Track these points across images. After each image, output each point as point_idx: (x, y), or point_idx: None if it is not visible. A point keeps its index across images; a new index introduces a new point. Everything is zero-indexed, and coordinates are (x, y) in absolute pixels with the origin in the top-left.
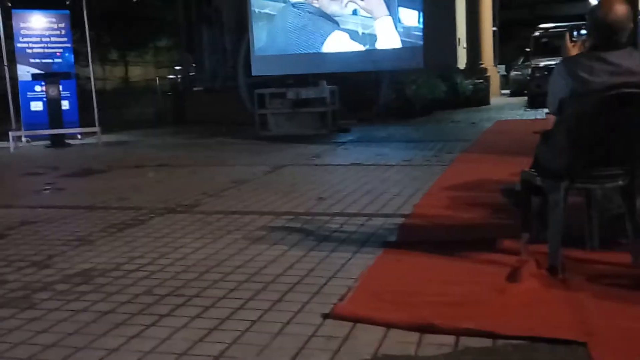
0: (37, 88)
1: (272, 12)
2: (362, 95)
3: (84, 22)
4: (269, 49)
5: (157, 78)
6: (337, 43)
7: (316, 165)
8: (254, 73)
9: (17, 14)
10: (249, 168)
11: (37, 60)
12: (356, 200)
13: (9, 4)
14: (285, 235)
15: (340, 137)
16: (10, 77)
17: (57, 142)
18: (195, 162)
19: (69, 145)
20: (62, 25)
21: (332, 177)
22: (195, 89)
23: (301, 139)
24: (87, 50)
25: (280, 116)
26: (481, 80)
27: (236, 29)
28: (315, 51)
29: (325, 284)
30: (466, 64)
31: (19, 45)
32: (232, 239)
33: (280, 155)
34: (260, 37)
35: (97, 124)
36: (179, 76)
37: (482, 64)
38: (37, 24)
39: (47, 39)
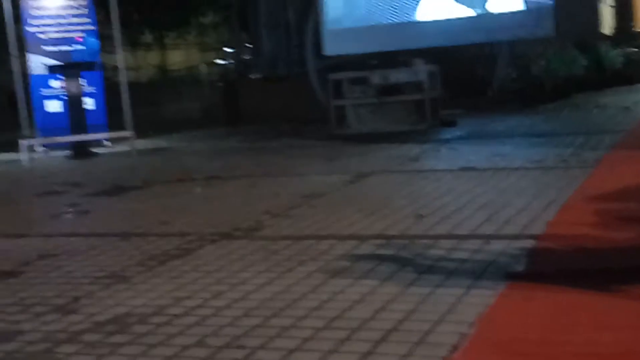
0: (54, 83)
1: None
2: (472, 77)
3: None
4: (345, 21)
5: (202, 65)
6: (436, 8)
7: (413, 171)
8: (326, 53)
9: None
10: (324, 178)
11: (53, 48)
12: (468, 217)
13: None
14: (375, 265)
15: (444, 132)
16: (19, 71)
17: (80, 151)
18: (254, 172)
19: (95, 155)
20: (83, 2)
21: (434, 188)
22: (251, 77)
23: (391, 137)
24: (114, 33)
25: (362, 108)
26: (636, 49)
27: None
28: (406, 20)
29: (429, 331)
30: (614, 28)
31: (29, 29)
32: (305, 272)
33: (365, 160)
34: (335, 5)
35: (129, 126)
36: (230, 61)
37: (634, 27)
38: (51, 3)
39: (65, 21)
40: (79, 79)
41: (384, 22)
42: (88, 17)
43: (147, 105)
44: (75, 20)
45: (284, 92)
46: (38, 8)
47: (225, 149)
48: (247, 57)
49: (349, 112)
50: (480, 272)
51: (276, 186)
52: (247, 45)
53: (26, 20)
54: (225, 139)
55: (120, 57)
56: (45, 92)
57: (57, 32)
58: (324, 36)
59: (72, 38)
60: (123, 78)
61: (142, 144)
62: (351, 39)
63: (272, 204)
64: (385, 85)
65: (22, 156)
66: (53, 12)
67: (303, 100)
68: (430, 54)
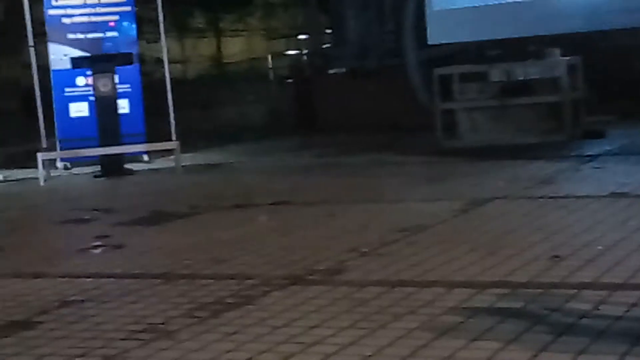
0: (80, 81)
1: None
2: (626, 72)
3: None
4: None
5: (268, 56)
6: None
7: (545, 198)
8: (431, 41)
9: None
10: (428, 206)
11: (80, 36)
12: (621, 260)
13: None
14: (495, 323)
15: (588, 146)
16: (38, 65)
17: (112, 167)
18: (334, 196)
19: (130, 172)
20: None
21: (574, 220)
22: (331, 71)
23: (517, 151)
24: (156, 16)
25: (479, 113)
26: None
27: None
28: None
29: None
30: None
31: (50, 12)
32: (403, 330)
33: (481, 182)
34: None
35: (174, 136)
36: (304, 51)
37: None
38: None
39: (95, 1)
40: (112, 75)
41: (508, 0)
42: (124, 3)
43: (198, 109)
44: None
45: (374, 92)
46: None
47: (297, 166)
48: (326, 46)
49: (461, 118)
50: (639, 334)
51: (364, 216)
52: (327, 30)
53: (49, 1)
54: (297, 152)
55: (164, 47)
56: (69, 91)
57: (85, 15)
58: (429, 19)
59: (104, 23)
60: (167, 74)
61: (190, 158)
62: (465, 22)
63: (359, 239)
64: (510, 83)
65: (40, 173)
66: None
67: (399, 102)
68: (569, 43)
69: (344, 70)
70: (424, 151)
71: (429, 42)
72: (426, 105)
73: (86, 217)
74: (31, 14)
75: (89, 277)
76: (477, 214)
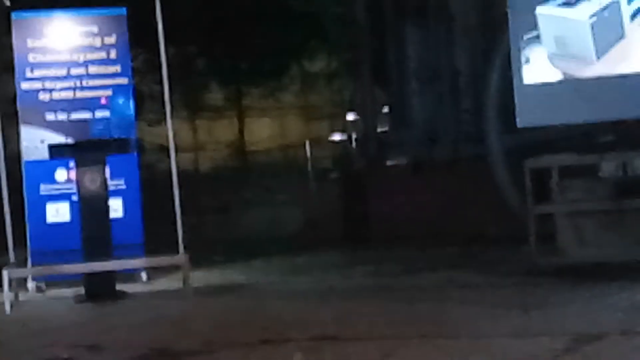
0: (60, 175)
1: None
2: None
3: (153, 30)
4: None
5: (306, 143)
6: None
7: None
8: (522, 123)
9: (20, 22)
10: (520, 343)
11: (61, 117)
12: None
13: (7, 3)
14: None
15: None
16: (6, 154)
17: (100, 289)
18: (392, 330)
19: (123, 296)
20: (112, 39)
21: None
22: (389, 163)
23: (638, 270)
24: (160, 91)
25: (587, 219)
26: None
27: (479, 28)
28: None
29: None
30: None
31: (23, 86)
32: None
33: (591, 312)
34: (548, 40)
35: (182, 248)
36: (354, 136)
37: None
38: (60, 40)
39: (82, 70)
40: (103, 167)
41: (625, 72)
42: (119, 64)
43: (213, 212)
44: (98, 69)
45: (446, 190)
46: (39, 49)
47: (344, 289)
48: (383, 129)
49: (563, 225)
50: None
51: (432, 357)
52: (384, 109)
53: (21, 68)
54: (344, 269)
55: (170, 131)
56: (45, 188)
57: (68, 89)
58: (518, 94)
59: (94, 99)
60: (174, 165)
61: (202, 277)
62: (566, 98)
63: None
64: (627, 179)
65: (6, 297)
66: (64, 57)
67: (479, 204)
68: None
69: (405, 161)
70: (513, 270)
71: (519, 125)
72: (515, 209)
73: (65, 356)
74: None
75: None
76: (586, 355)
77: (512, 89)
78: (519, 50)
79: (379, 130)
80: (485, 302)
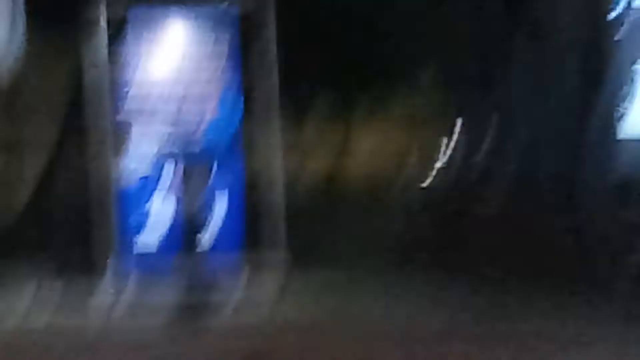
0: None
1: None
2: None
3: (264, 30)
4: None
5: (414, 160)
6: None
7: None
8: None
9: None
10: None
11: (166, 128)
12: None
13: None
14: None
15: None
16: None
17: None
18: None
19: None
20: (223, 37)
21: None
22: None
23: None
24: (267, 99)
25: None
26: None
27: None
28: None
29: None
30: None
31: (129, 96)
32: None
33: None
34: None
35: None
36: (464, 157)
37: None
38: (168, 50)
39: (191, 79)
40: (207, 174)
41: None
42: (228, 63)
43: (315, 221)
44: (207, 75)
45: (555, 219)
46: (146, 56)
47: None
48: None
49: None
50: None
51: None
52: (497, 131)
53: (125, 82)
54: (443, 284)
55: (278, 134)
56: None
57: (175, 99)
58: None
59: (201, 97)
60: (279, 171)
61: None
62: None
63: None
64: None
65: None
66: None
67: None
68: None
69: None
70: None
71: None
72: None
73: None
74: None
75: None
76: None
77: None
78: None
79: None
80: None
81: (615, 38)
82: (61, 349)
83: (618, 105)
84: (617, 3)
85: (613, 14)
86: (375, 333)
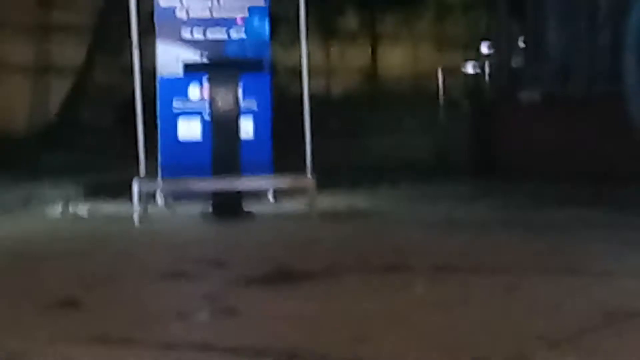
0: (193, 92)
1: None
2: None
3: None
4: None
5: (438, 71)
6: None
7: None
8: None
9: None
10: None
11: (197, 35)
12: None
13: None
14: None
15: None
16: (142, 70)
17: (227, 207)
18: (517, 263)
19: (250, 215)
20: None
21: None
22: (521, 96)
23: None
24: (296, 13)
25: None
26: None
27: None
28: None
29: None
30: None
31: (162, 3)
32: None
33: None
34: None
35: (310, 171)
36: (487, 68)
37: None
38: None
39: None
40: (236, 86)
41: None
42: None
43: (342, 137)
44: None
45: (579, 127)
46: None
47: (469, 221)
48: (517, 63)
49: None
50: None
51: (556, 292)
52: (520, 43)
53: None
54: (470, 202)
55: (304, 54)
56: (177, 104)
57: (206, 8)
58: None
59: (229, 19)
60: (306, 89)
61: (328, 201)
62: None
63: (547, 324)
64: None
65: (135, 209)
66: None
67: (613, 141)
68: None
69: (538, 96)
70: None
71: None
72: None
73: (191, 270)
74: (137, 4)
75: (190, 349)
76: None
77: None
78: None
79: (513, 63)
80: (614, 241)
81: None
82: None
83: None
84: None
85: None
86: (426, 220)
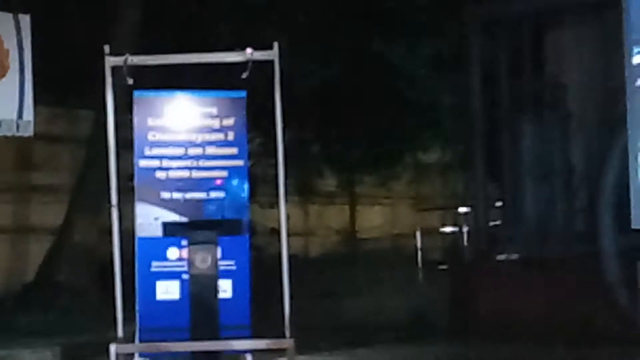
0: (171, 253)
1: None
2: None
3: (270, 113)
4: None
5: (417, 233)
6: None
7: None
8: (637, 224)
9: (141, 100)
10: None
11: (176, 195)
12: None
13: (129, 82)
14: None
15: None
16: (120, 229)
17: None
18: None
19: None
20: (231, 121)
21: None
22: (499, 258)
23: None
24: (275, 175)
25: None
26: None
27: (600, 125)
28: None
29: None
30: None
31: (141, 164)
32: None
33: None
34: None
35: (288, 332)
36: (464, 229)
37: None
38: (179, 120)
39: (199, 150)
40: (215, 248)
41: None
42: (236, 146)
43: (320, 297)
44: (214, 150)
45: (556, 288)
46: (160, 129)
47: None
48: (493, 223)
49: None
50: None
51: None
52: (496, 203)
53: (140, 148)
54: None
55: (283, 215)
56: (156, 266)
57: (185, 168)
58: (635, 195)
59: (208, 180)
60: (285, 249)
61: None
62: None
63: None
64: None
65: None
66: (182, 137)
67: (590, 303)
68: None
69: (516, 256)
70: None
71: (634, 226)
72: (629, 310)
73: None
74: (117, 165)
75: None
76: None
77: (627, 189)
78: (637, 150)
79: (490, 223)
80: None
81: None
82: None
83: None
84: None
85: None
86: None
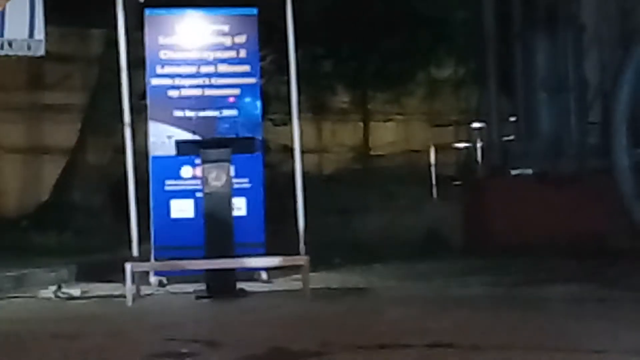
0: (185, 171)
1: None
2: None
3: (282, 31)
4: None
5: (430, 149)
6: None
7: None
8: None
9: (153, 19)
10: None
11: (189, 113)
12: None
13: (140, 0)
14: None
15: None
16: (133, 149)
17: (221, 287)
18: (510, 340)
19: (244, 294)
20: (242, 39)
21: None
22: (513, 173)
23: None
24: (288, 92)
25: None
26: None
27: (614, 39)
28: None
29: None
30: None
31: (153, 82)
32: None
33: None
34: None
35: (302, 249)
36: (478, 144)
37: None
38: (190, 38)
39: (211, 68)
40: (228, 165)
41: None
42: (249, 64)
43: (334, 214)
44: (227, 68)
45: (570, 203)
46: (170, 47)
47: (462, 298)
48: (507, 138)
49: None
50: None
51: None
52: (509, 118)
53: (152, 67)
54: (462, 278)
55: (296, 132)
56: (170, 184)
57: (197, 87)
58: None
59: (221, 98)
60: (298, 166)
61: (321, 278)
62: None
63: None
64: None
65: (128, 290)
66: (194, 55)
67: (605, 217)
68: None
69: (530, 172)
70: (637, 285)
71: None
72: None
73: (184, 350)
74: (129, 84)
75: None
76: None
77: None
78: None
79: (504, 139)
80: (607, 317)
81: None
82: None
83: None
84: None
85: None
86: (420, 297)
